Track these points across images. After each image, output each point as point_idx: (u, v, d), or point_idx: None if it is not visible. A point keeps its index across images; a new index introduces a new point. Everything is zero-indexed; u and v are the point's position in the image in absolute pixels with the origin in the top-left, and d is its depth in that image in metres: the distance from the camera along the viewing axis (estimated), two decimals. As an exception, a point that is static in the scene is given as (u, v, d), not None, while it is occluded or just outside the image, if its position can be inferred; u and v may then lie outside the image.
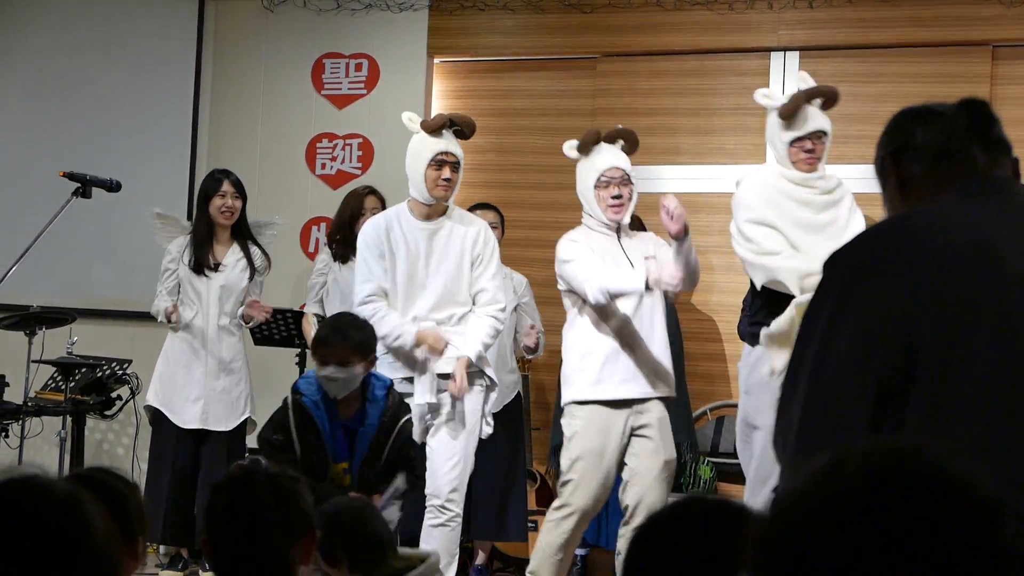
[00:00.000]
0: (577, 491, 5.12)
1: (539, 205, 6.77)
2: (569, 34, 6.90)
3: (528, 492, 6.34)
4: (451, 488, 5.11)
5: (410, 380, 5.11)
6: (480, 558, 6.33)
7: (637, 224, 5.74)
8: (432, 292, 5.16)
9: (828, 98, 4.94)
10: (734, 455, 5.59)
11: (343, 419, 4.59)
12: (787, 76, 6.49)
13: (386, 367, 5.06)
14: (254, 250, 6.16)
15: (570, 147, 5.26)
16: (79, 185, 5.47)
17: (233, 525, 2.58)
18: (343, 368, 4.48)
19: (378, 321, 5.01)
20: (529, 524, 6.29)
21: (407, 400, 4.96)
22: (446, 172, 5.13)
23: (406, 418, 4.71)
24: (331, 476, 4.59)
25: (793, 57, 6.57)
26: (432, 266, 5.17)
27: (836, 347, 2.02)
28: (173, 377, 6.05)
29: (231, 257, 6.11)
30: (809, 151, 4.84)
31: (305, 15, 7.24)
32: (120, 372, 6.26)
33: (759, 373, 4.82)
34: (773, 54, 6.61)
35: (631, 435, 5.17)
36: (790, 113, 4.89)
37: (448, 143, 5.16)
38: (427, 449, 5.18)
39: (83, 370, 6.12)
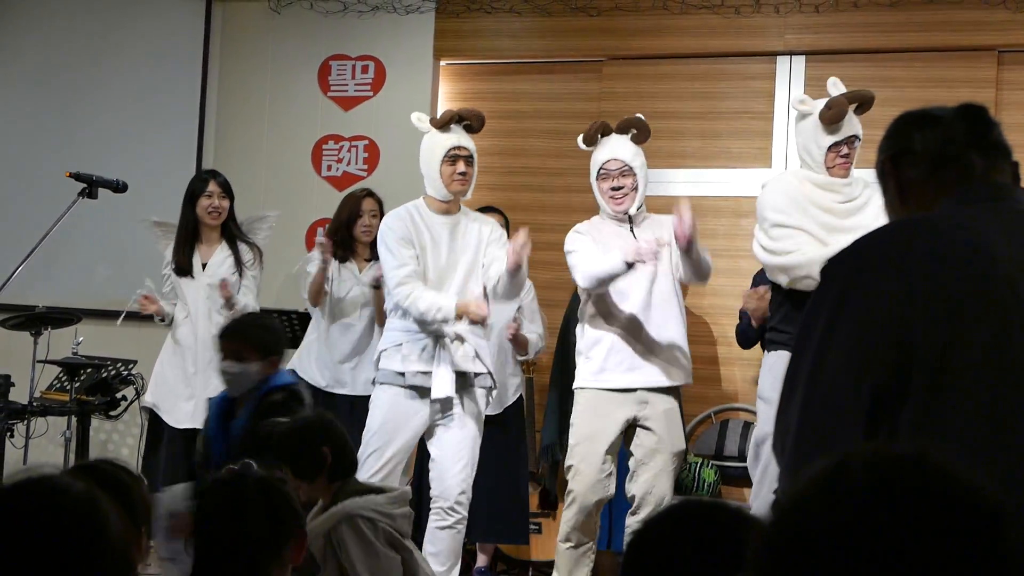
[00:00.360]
0: (576, 477, 5.26)
1: (545, 208, 6.78)
2: (575, 37, 6.91)
3: (530, 495, 6.34)
4: (460, 490, 5.11)
5: (426, 374, 5.09)
6: (482, 560, 6.33)
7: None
8: (455, 283, 5.17)
9: (865, 102, 4.95)
10: (738, 459, 5.61)
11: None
12: (793, 80, 6.50)
13: (398, 361, 5.06)
14: (242, 247, 6.13)
15: (580, 140, 5.43)
16: (85, 186, 5.49)
17: (222, 529, 2.56)
18: (237, 363, 4.30)
19: (416, 299, 5.00)
20: (532, 526, 6.29)
21: (422, 392, 4.97)
22: (461, 166, 5.15)
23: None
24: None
25: (799, 61, 6.57)
26: (455, 256, 5.20)
27: (833, 350, 2.05)
28: (166, 377, 6.05)
29: (219, 256, 6.09)
30: (845, 156, 4.85)
31: (312, 17, 7.25)
32: (125, 372, 6.27)
33: (776, 380, 4.82)
34: (779, 58, 6.61)
35: (637, 425, 5.24)
36: (836, 118, 4.87)
37: (459, 137, 5.19)
38: (433, 450, 5.18)
39: (88, 370, 6.14)
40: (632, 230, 5.30)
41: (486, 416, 6.05)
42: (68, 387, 6.04)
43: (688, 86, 6.76)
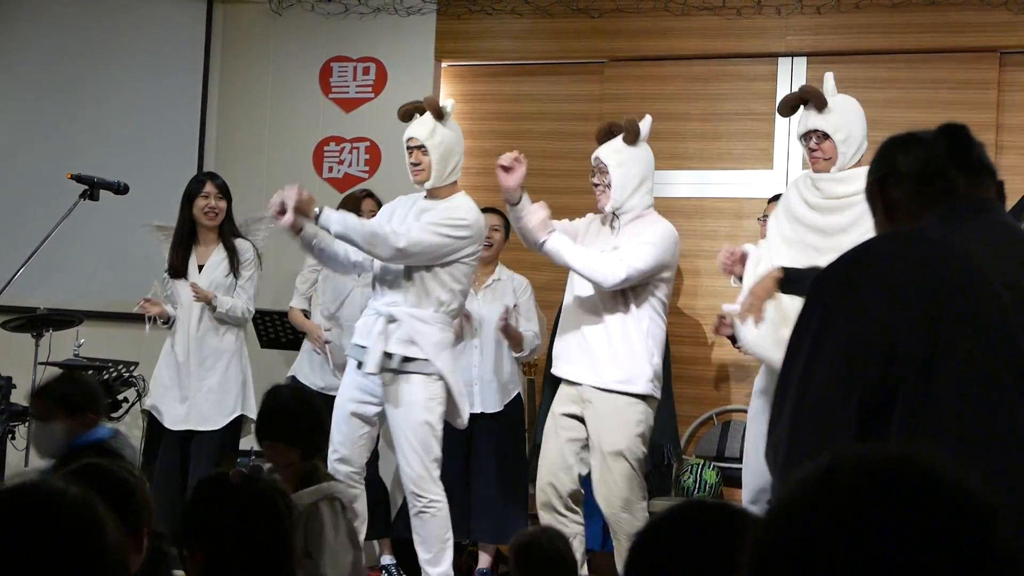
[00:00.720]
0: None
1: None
2: (577, 38, 6.91)
3: (529, 495, 6.33)
4: (409, 477, 5.12)
5: (363, 348, 5.15)
6: (484, 561, 6.32)
7: None
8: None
9: (811, 99, 4.85)
10: (740, 460, 5.59)
11: None
12: (794, 81, 6.49)
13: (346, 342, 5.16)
14: (240, 247, 6.11)
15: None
16: (87, 187, 5.49)
17: (211, 531, 2.53)
18: (43, 424, 4.14)
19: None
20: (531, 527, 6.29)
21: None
22: (412, 156, 5.20)
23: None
24: None
25: (800, 63, 6.57)
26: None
27: (822, 360, 2.12)
28: (162, 380, 6.05)
29: (215, 257, 6.08)
30: (812, 150, 4.82)
31: (313, 18, 7.26)
32: (127, 374, 6.27)
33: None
34: (781, 59, 6.61)
35: (583, 422, 5.29)
36: (781, 112, 4.97)
37: (409, 128, 5.23)
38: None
39: (90, 372, 6.14)
40: (612, 226, 5.30)
41: (485, 414, 6.08)
42: (69, 389, 6.04)
43: (690, 87, 6.76)
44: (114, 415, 6.27)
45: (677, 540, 1.73)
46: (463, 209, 5.21)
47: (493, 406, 6.11)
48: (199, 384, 5.97)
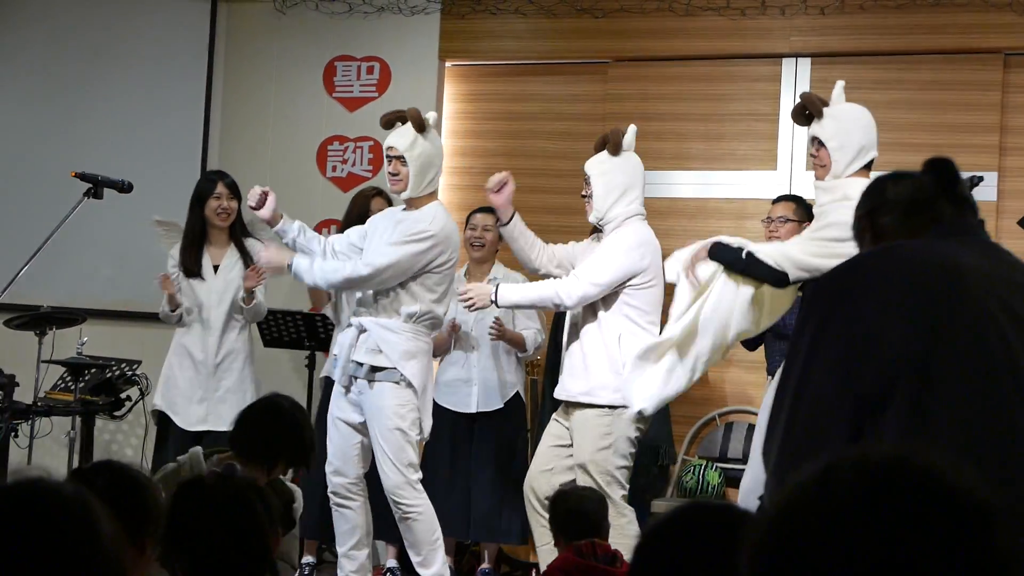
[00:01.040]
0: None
1: (549, 209, 6.77)
2: (580, 38, 6.91)
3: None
4: (387, 485, 5.14)
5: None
6: (487, 561, 6.33)
7: None
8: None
9: (809, 107, 4.80)
10: (743, 461, 5.59)
11: None
12: (798, 82, 6.49)
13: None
14: (252, 247, 6.12)
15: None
16: (91, 186, 5.49)
17: (191, 533, 2.52)
18: None
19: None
20: (533, 527, 6.28)
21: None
22: (391, 166, 5.23)
23: None
24: None
25: (804, 63, 6.57)
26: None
27: (818, 364, 2.22)
28: (176, 380, 6.04)
29: (230, 258, 6.09)
30: (812, 156, 4.81)
31: (317, 17, 7.26)
32: (130, 373, 6.27)
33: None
34: (785, 60, 6.61)
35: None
36: (797, 123, 4.89)
37: (391, 137, 5.25)
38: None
39: (93, 371, 6.14)
40: (599, 236, 5.32)
41: (486, 412, 6.08)
42: (72, 387, 6.04)
43: (693, 88, 6.76)
44: (117, 413, 6.27)
45: (681, 541, 1.73)
46: (424, 220, 5.19)
47: (493, 404, 6.11)
48: (217, 384, 5.98)
